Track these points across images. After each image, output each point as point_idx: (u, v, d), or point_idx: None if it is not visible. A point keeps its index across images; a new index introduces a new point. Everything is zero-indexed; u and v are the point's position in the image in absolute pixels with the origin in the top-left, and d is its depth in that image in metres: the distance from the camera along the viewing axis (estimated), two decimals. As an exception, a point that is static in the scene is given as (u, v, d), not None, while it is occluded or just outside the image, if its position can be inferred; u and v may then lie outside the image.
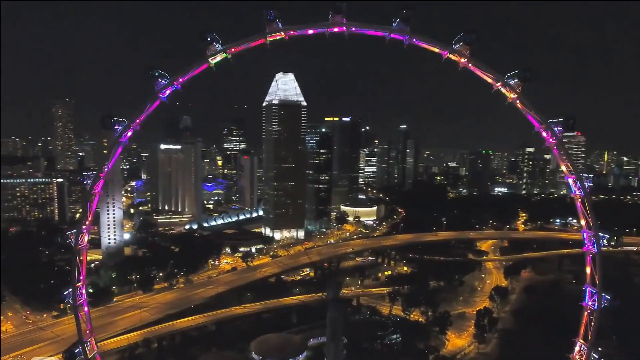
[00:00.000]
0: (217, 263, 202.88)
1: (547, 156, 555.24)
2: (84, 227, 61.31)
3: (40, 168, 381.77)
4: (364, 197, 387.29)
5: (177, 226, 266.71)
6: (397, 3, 62.58)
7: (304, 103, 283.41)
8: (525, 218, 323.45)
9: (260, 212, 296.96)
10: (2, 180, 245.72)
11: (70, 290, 62.90)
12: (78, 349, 63.11)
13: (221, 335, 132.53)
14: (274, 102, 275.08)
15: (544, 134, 61.91)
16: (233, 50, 59.90)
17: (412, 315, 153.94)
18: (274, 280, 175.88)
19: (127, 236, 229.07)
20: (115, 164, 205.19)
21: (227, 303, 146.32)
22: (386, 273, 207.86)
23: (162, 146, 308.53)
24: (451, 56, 59.70)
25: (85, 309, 65.90)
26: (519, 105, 61.59)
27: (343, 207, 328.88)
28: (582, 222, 64.78)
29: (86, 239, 62.40)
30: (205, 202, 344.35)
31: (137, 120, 62.01)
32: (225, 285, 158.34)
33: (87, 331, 65.88)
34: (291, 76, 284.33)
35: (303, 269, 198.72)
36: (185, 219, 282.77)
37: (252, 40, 59.55)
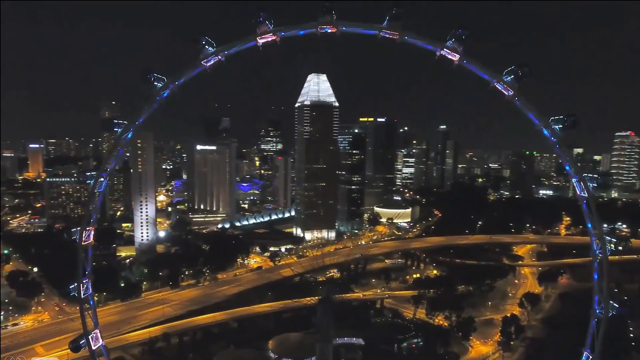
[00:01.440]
0: (245, 262, 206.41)
1: (597, 157, 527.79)
2: (87, 224, 64.37)
3: (89, 168, 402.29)
4: (399, 198, 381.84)
5: (211, 225, 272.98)
6: (391, 2, 61.56)
7: (336, 104, 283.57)
8: (568, 222, 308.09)
9: (293, 213, 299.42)
10: (48, 179, 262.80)
11: (76, 284, 65.69)
12: (83, 341, 65.60)
13: (240, 333, 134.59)
14: (305, 102, 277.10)
15: (545, 133, 59.69)
16: (226, 52, 61.12)
17: (436, 320, 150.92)
18: (298, 280, 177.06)
19: (162, 234, 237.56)
20: (149, 164, 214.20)
21: (249, 301, 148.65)
22: (415, 276, 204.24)
23: (198, 147, 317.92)
24: (444, 53, 58.73)
25: (92, 302, 68.65)
26: (517, 103, 59.80)
27: (377, 209, 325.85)
28: (589, 225, 62.14)
29: (91, 236, 65.37)
30: (240, 202, 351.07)
31: (137, 123, 64.70)
32: (248, 284, 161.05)
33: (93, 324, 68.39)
34: (323, 77, 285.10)
35: (330, 269, 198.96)
36: (219, 218, 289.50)
37: (243, 43, 60.40)
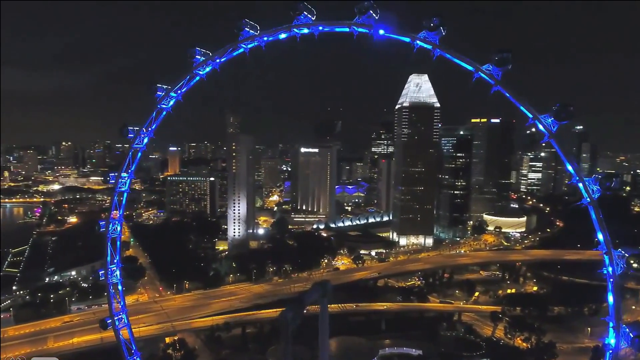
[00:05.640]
0: (332, 263, 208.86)
1: None
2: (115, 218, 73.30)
3: (217, 168, 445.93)
4: (517, 206, 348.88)
5: (309, 225, 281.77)
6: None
7: (437, 105, 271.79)
8: None
9: (392, 216, 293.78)
10: (169, 178, 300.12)
11: (106, 270, 75.08)
12: (110, 320, 74.55)
13: (300, 330, 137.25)
14: (404, 104, 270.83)
15: (541, 127, 51.59)
16: (217, 60, 64.22)
17: (516, 341, 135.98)
18: (376, 284, 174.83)
19: (261, 231, 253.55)
20: (242, 166, 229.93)
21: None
22: (509, 291, 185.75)
23: (302, 149, 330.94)
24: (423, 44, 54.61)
25: (120, 287, 77.59)
26: (507, 94, 52.62)
27: (486, 216, 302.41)
28: (600, 236, 52.53)
29: (119, 229, 74.17)
30: (345, 204, 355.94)
31: (150, 129, 71.87)
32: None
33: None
34: (425, 77, 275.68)
35: (412, 276, 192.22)
36: (317, 219, 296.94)
37: (228, 49, 62.87)
